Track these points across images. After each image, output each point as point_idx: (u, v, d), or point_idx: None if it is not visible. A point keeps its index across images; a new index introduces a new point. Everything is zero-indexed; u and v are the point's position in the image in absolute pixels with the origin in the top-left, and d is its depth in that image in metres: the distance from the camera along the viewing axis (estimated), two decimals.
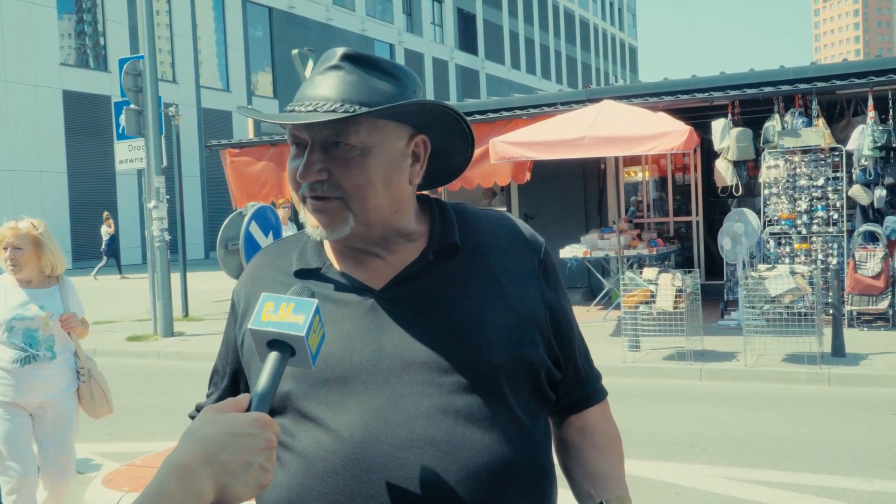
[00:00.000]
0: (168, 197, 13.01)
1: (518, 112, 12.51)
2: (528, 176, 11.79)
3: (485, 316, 1.44)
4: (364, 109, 1.38)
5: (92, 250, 30.39)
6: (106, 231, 24.68)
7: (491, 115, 12.69)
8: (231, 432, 1.07)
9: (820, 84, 10.97)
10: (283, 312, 1.19)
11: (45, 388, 4.56)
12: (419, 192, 1.57)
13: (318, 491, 1.36)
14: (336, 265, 1.51)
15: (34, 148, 28.64)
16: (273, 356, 1.18)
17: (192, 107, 29.98)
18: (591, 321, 11.89)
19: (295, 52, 16.38)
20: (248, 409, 1.13)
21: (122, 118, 12.66)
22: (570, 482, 1.60)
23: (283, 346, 1.19)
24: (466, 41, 53.22)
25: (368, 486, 1.33)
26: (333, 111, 1.38)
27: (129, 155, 13.11)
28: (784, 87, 11.18)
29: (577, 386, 1.61)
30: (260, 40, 38.25)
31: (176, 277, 14.52)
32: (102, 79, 30.67)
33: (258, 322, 1.20)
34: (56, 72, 29.56)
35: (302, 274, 1.51)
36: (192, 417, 1.63)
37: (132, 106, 12.51)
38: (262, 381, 1.16)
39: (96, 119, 29.64)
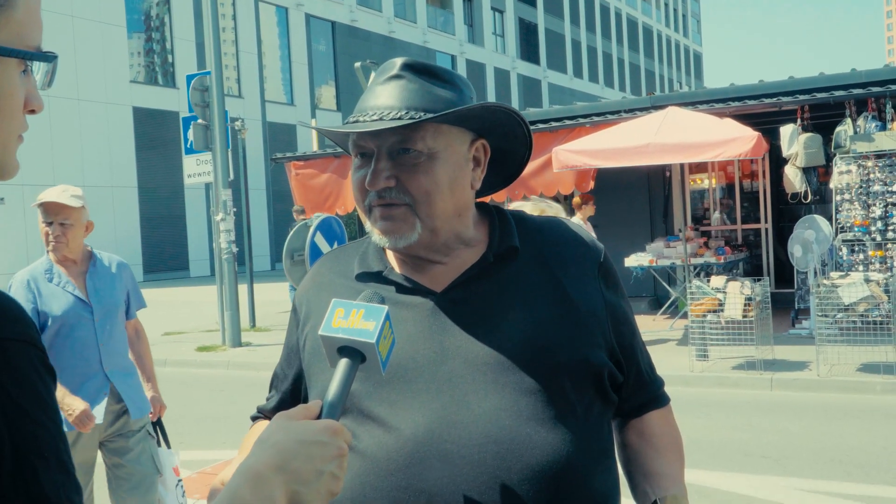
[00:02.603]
0: (235, 209, 13.23)
1: (581, 120, 12.43)
2: (591, 184, 11.70)
3: (545, 317, 1.45)
4: (429, 115, 1.41)
5: (162, 263, 31.09)
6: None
7: (554, 124, 12.63)
8: (303, 440, 1.08)
9: (894, 87, 10.68)
10: (354, 319, 1.19)
11: None
12: (478, 200, 1.59)
13: (380, 489, 1.36)
14: (397, 269, 1.53)
15: (106, 164, 29.42)
16: (343, 363, 1.18)
17: (258, 121, 30.55)
18: (657, 330, 11.73)
19: (358, 64, 16.57)
20: (318, 416, 1.14)
21: (190, 133, 12.93)
22: (630, 483, 1.60)
23: (353, 352, 1.18)
24: (528, 51, 53.16)
25: (431, 484, 1.34)
26: (399, 118, 1.41)
27: (197, 169, 13.38)
28: (856, 91, 10.91)
29: (640, 390, 1.61)
30: (323, 54, 38.74)
31: (243, 289, 14.76)
32: (171, 95, 31.39)
33: (329, 328, 1.19)
34: (126, 89, 30.34)
35: (364, 277, 1.53)
36: (254, 419, 1.67)
37: (200, 121, 12.77)
38: (332, 388, 1.16)
39: (165, 135, 30.36)
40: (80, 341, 3.94)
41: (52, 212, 3.92)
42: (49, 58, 1.00)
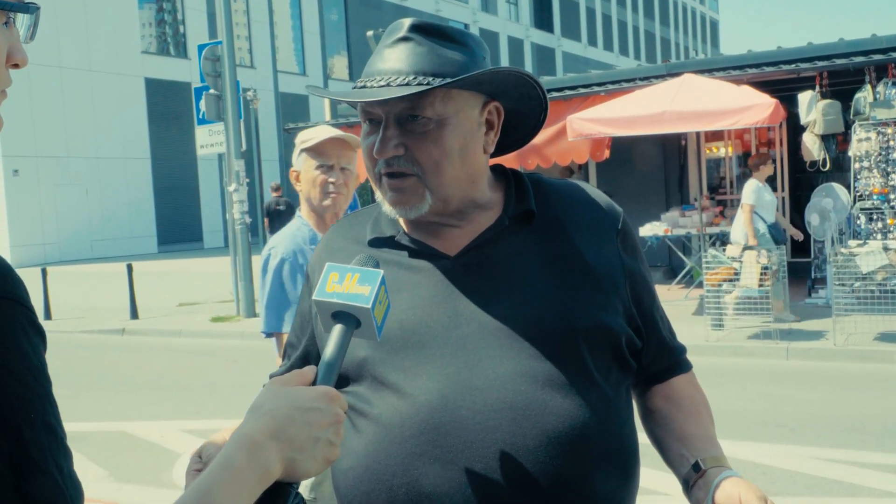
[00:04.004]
0: (248, 180, 13.21)
1: (596, 88, 12.30)
2: (606, 153, 11.60)
3: (562, 282, 1.42)
4: (438, 81, 1.36)
5: (175, 234, 31.19)
6: None
7: (568, 93, 12.51)
8: (299, 406, 1.05)
9: None
10: (349, 283, 1.16)
11: None
12: (494, 163, 1.56)
13: (394, 456, 1.34)
14: (410, 233, 1.50)
15: (119, 135, 29.43)
16: (338, 329, 1.16)
17: (270, 91, 30.42)
18: (672, 300, 11.68)
19: (370, 33, 16.44)
20: (314, 382, 1.11)
21: (203, 103, 12.90)
22: (661, 449, 1.54)
23: (348, 317, 1.16)
24: (542, 19, 52.68)
25: (446, 450, 1.32)
26: (407, 84, 1.36)
27: (209, 139, 13.36)
28: (876, 57, 10.73)
29: (663, 356, 1.57)
30: (335, 24, 38.52)
31: (257, 259, 14.78)
32: (183, 66, 31.32)
33: (323, 293, 1.16)
34: (138, 60, 30.30)
35: (376, 242, 1.50)
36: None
37: (212, 91, 12.73)
38: (327, 353, 1.14)
39: (177, 105, 30.31)
40: None
41: (332, 153, 3.10)
42: (31, 9, 0.95)
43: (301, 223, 3.17)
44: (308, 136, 3.12)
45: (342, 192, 3.09)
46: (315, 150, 3.09)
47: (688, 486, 1.43)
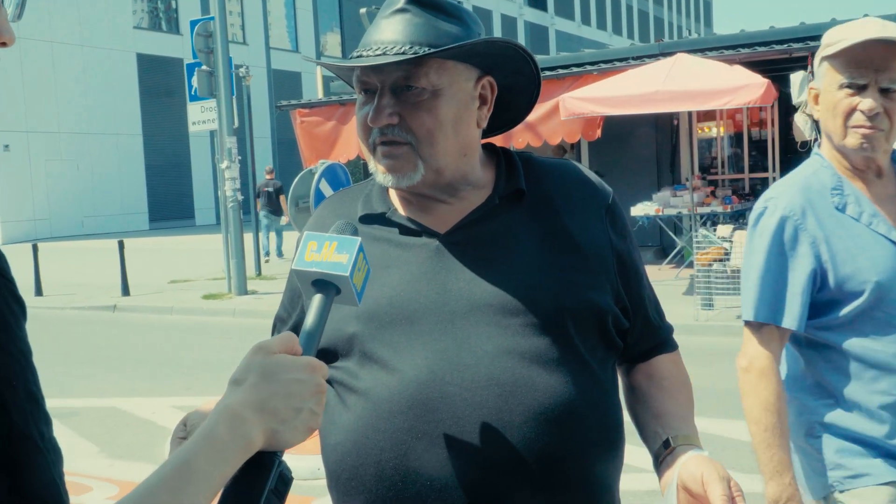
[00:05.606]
0: (240, 157, 13.18)
1: (589, 67, 12.29)
2: (598, 133, 11.60)
3: (550, 260, 1.43)
4: (432, 50, 1.38)
5: (167, 211, 31.11)
6: None
7: (561, 71, 12.49)
8: (280, 378, 1.05)
9: None
10: (327, 251, 1.17)
11: None
12: (485, 141, 1.57)
13: (382, 431, 1.36)
14: (401, 210, 1.51)
15: (110, 111, 29.28)
16: (318, 297, 1.17)
17: (262, 68, 30.29)
18: (662, 279, 11.73)
19: (363, 11, 16.35)
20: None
21: (195, 80, 12.85)
22: (638, 425, 1.57)
23: (328, 285, 1.17)
24: None
25: (434, 425, 1.34)
26: (403, 53, 1.38)
27: (201, 116, 13.31)
28: None
29: (648, 335, 1.58)
30: (328, 0, 38.28)
31: (248, 237, 14.78)
32: (175, 41, 31.12)
33: (301, 262, 1.17)
34: (130, 35, 30.09)
35: (367, 219, 1.51)
36: None
37: (204, 67, 12.68)
38: (308, 322, 1.14)
39: (169, 82, 30.15)
40: None
41: (868, 63, 1.97)
42: None
43: (820, 164, 2.14)
44: (836, 38, 2.02)
45: (881, 125, 1.98)
46: (843, 59, 2.00)
47: (657, 462, 1.45)
